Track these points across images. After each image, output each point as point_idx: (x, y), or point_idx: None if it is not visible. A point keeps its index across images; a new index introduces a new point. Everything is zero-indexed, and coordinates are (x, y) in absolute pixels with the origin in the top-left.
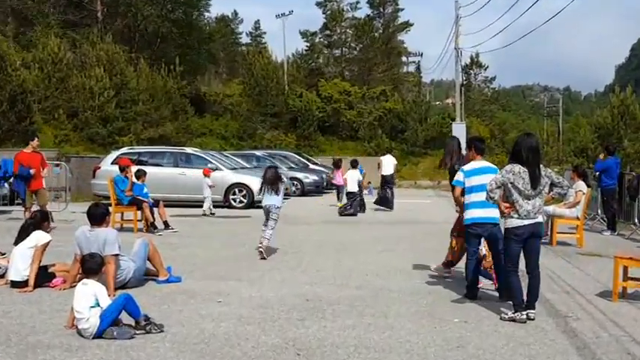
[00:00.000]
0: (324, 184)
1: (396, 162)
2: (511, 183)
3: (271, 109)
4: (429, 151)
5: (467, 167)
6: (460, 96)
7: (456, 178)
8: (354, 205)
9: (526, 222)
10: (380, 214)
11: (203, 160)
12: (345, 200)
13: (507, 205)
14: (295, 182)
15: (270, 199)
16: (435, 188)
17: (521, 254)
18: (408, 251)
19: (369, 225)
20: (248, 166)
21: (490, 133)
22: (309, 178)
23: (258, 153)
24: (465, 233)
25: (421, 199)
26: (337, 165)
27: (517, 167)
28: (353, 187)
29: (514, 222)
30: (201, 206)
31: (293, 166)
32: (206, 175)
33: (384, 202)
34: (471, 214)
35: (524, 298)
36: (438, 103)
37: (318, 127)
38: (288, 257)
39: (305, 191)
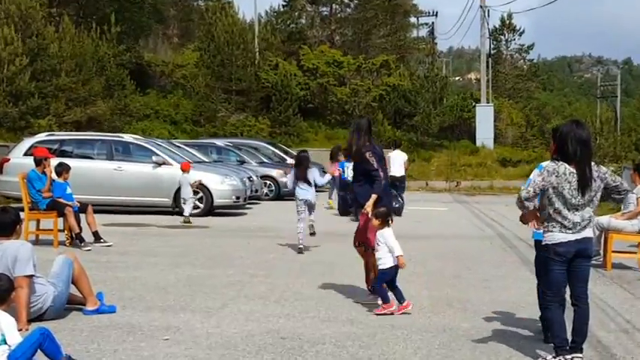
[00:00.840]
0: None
1: (407, 158)
2: (554, 188)
3: (237, 84)
4: (444, 142)
5: None
6: (487, 70)
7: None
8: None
9: (571, 237)
10: None
11: (146, 152)
12: (335, 197)
13: (536, 218)
14: (268, 182)
15: (306, 193)
16: (452, 191)
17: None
18: (417, 275)
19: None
20: (206, 159)
21: (526, 120)
22: (286, 177)
23: (219, 142)
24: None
25: (434, 206)
26: (335, 156)
27: (562, 167)
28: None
29: (556, 237)
30: (149, 212)
31: (265, 160)
32: (185, 170)
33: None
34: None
35: (569, 337)
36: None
37: (299, 109)
38: (256, 282)
39: (281, 194)
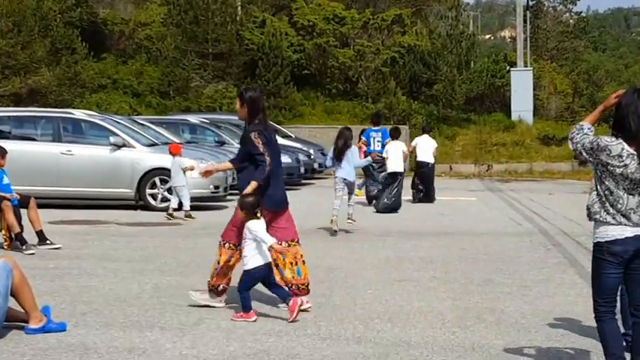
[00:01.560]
0: (304, 169)
1: (436, 146)
2: (603, 166)
3: (215, 46)
4: (472, 116)
5: None
6: (524, 26)
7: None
8: (394, 193)
9: (629, 232)
10: (398, 219)
11: (101, 131)
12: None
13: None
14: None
15: (346, 172)
16: (482, 176)
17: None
18: (439, 281)
19: (378, 238)
20: (177, 140)
21: (573, 88)
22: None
23: (192, 119)
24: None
25: (460, 195)
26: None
27: (618, 147)
28: (397, 165)
29: (609, 231)
30: (107, 206)
31: None
32: (175, 153)
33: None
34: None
35: (624, 354)
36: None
37: (291, 76)
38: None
39: None
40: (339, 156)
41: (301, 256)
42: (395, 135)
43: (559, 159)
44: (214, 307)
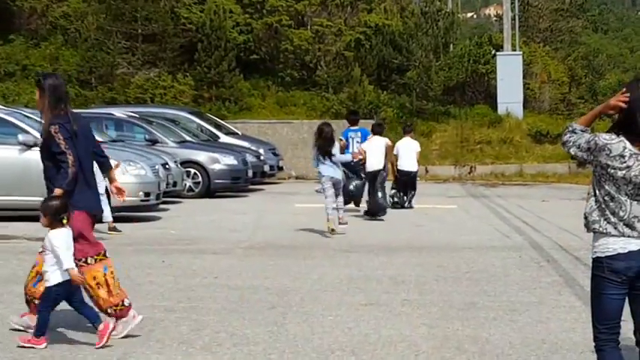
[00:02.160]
0: (252, 173)
1: (419, 150)
2: (602, 168)
3: (145, 26)
4: (451, 108)
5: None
6: (512, 3)
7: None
8: (374, 195)
9: (633, 245)
10: (365, 231)
11: (8, 127)
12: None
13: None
14: (193, 171)
15: (332, 170)
16: (463, 180)
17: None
18: (412, 305)
19: (339, 253)
20: (99, 138)
21: (569, 75)
22: (220, 163)
23: (118, 113)
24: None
25: (438, 202)
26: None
27: (620, 145)
28: (378, 163)
29: (610, 244)
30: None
31: (188, 138)
32: None
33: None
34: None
35: None
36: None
37: (237, 62)
38: (175, 319)
39: (212, 187)
40: (324, 155)
41: (112, 272)
42: (377, 130)
43: (554, 159)
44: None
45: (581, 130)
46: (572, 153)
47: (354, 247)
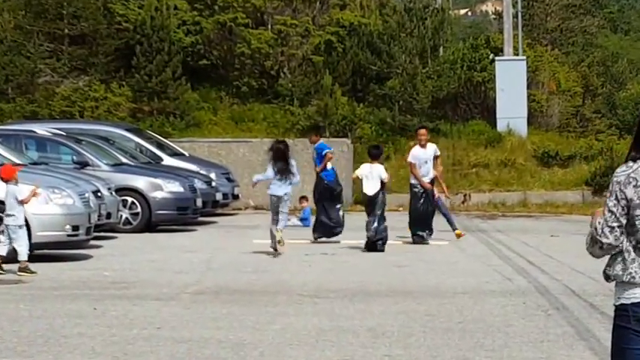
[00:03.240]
0: (201, 202)
1: (386, 176)
2: (636, 206)
3: (73, 26)
4: (441, 124)
5: None
6: None
7: None
8: (377, 228)
9: None
10: (337, 272)
11: None
12: None
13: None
14: (130, 199)
15: (278, 188)
16: (456, 210)
17: None
18: None
19: (306, 299)
20: (17, 160)
21: (583, 85)
22: (164, 190)
23: (40, 130)
24: None
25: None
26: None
27: None
28: (373, 188)
29: (638, 289)
30: None
31: (125, 160)
32: (6, 178)
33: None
34: None
35: None
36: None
37: (183, 69)
38: None
39: (153, 220)
40: (282, 176)
41: None
42: (375, 154)
43: (564, 186)
44: None
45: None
46: (618, 232)
47: (323, 291)
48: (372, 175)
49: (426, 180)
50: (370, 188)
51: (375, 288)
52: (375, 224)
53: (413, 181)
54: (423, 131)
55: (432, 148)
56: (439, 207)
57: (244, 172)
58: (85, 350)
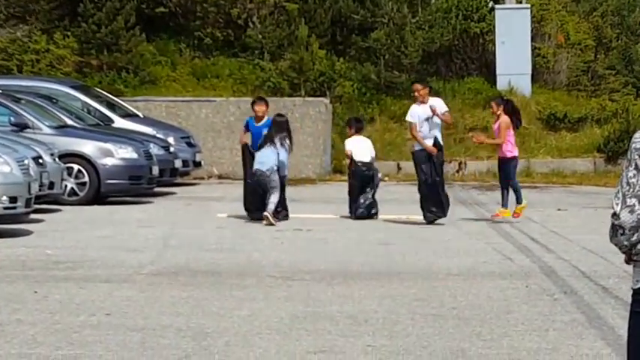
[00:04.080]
0: (158, 170)
1: (372, 150)
2: None
3: None
4: (433, 82)
5: None
6: None
7: None
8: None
9: None
10: (313, 250)
11: None
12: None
13: None
14: (76, 167)
15: (262, 162)
16: (450, 181)
17: None
18: (380, 355)
19: (279, 281)
20: None
21: (595, 37)
22: (115, 157)
23: None
24: None
25: (416, 211)
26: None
27: None
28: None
29: None
30: None
31: (70, 122)
32: None
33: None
34: None
35: None
36: None
37: (137, 17)
38: None
39: (103, 191)
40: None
41: None
42: (358, 127)
43: (573, 152)
44: None
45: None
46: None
47: (298, 272)
48: (360, 147)
49: (429, 142)
50: (366, 155)
51: (357, 269)
52: (371, 199)
53: (416, 147)
54: (417, 86)
55: (436, 104)
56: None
57: (207, 135)
58: (24, 339)
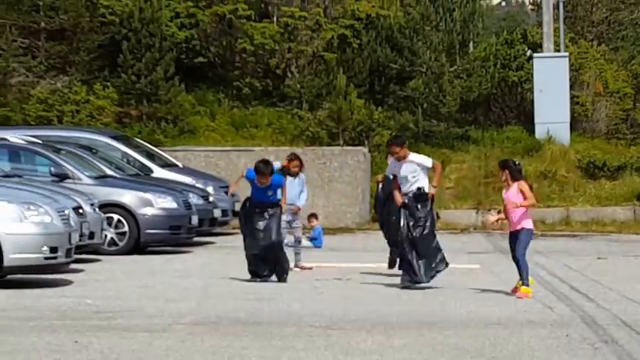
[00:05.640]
0: (197, 220)
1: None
2: None
3: (51, 19)
4: (471, 131)
5: None
6: None
7: None
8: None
9: None
10: (352, 300)
11: None
12: None
13: None
14: (116, 217)
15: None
16: (489, 230)
17: None
18: None
19: (318, 331)
20: None
21: (635, 85)
22: (154, 206)
23: (12, 138)
24: None
25: (455, 259)
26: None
27: None
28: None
29: None
30: None
31: (110, 172)
32: None
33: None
34: None
35: None
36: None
37: (177, 68)
38: None
39: (142, 241)
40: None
41: None
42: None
43: (613, 201)
44: None
45: None
46: None
47: (337, 322)
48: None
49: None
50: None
51: (397, 318)
52: None
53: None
54: (394, 148)
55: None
56: None
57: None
58: None
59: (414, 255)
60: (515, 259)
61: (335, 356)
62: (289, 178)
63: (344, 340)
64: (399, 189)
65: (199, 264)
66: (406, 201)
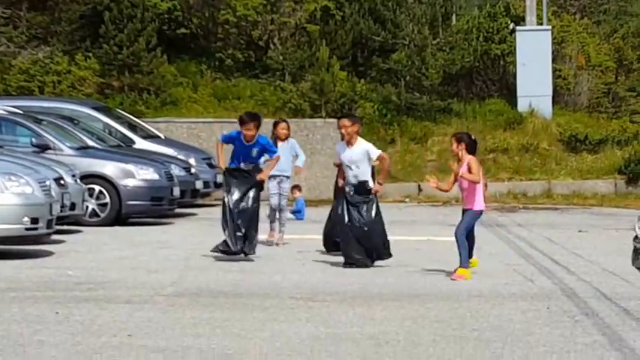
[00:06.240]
0: (179, 191)
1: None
2: None
3: None
4: (454, 104)
5: None
6: None
7: None
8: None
9: None
10: (333, 272)
11: None
12: None
13: None
14: (98, 188)
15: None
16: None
17: None
18: None
19: (299, 303)
20: None
21: (616, 58)
22: (136, 177)
23: None
24: None
25: (436, 232)
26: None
27: None
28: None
29: None
30: None
31: (91, 143)
32: None
33: None
34: None
35: None
36: None
37: (159, 39)
38: None
39: (124, 212)
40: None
41: None
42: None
43: (594, 174)
44: None
45: None
46: None
47: (318, 294)
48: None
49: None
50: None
51: (378, 290)
52: None
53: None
54: (344, 121)
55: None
56: None
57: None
58: None
59: (355, 241)
60: (455, 236)
61: (316, 328)
62: (279, 144)
63: (325, 312)
64: (344, 178)
65: (181, 235)
66: (347, 189)
